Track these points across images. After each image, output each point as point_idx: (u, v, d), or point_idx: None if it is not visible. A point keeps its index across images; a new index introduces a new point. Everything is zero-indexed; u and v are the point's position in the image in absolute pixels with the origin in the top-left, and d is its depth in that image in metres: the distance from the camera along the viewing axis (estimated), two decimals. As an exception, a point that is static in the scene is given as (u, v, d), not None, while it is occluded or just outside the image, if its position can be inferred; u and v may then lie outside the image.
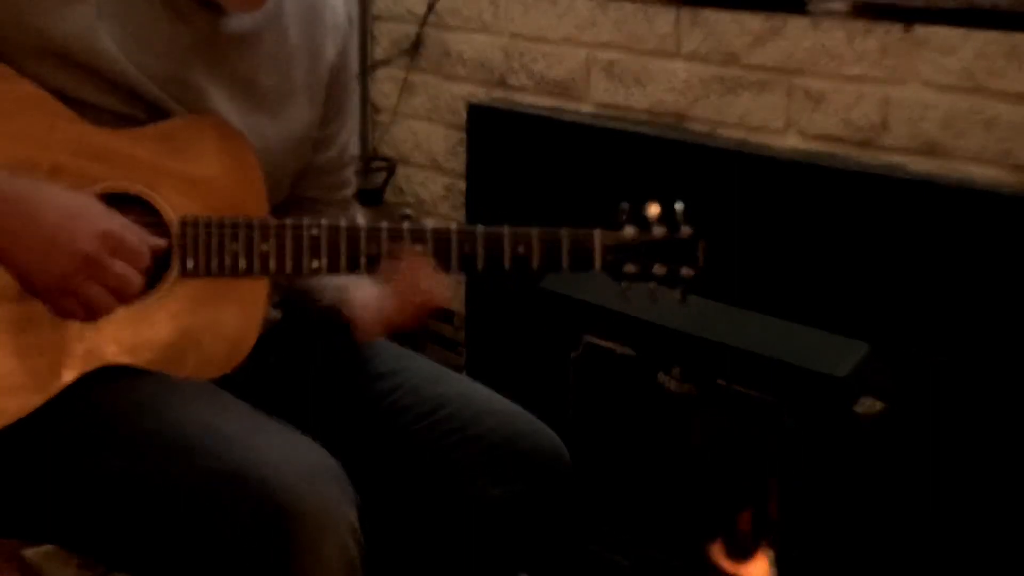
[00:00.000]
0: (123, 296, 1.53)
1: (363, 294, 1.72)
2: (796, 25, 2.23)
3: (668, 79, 2.44)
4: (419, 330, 3.07)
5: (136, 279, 1.52)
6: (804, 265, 2.18)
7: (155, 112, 1.61)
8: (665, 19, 2.43)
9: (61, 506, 1.59)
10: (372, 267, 1.63)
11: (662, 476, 2.38)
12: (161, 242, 1.56)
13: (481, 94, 2.86)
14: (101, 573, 1.84)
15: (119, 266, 1.51)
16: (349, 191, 1.87)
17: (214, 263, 1.58)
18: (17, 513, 1.64)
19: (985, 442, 1.96)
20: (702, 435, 2.32)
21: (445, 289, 1.66)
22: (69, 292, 1.51)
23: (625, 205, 1.69)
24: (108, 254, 1.50)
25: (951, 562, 2.01)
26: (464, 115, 2.84)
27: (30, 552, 2.27)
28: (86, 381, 1.56)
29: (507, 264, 1.66)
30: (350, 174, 1.88)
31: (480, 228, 1.66)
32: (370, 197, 3.03)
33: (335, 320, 1.75)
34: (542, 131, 2.64)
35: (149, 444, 1.52)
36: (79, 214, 1.50)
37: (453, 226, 1.65)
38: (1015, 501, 1.94)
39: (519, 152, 2.68)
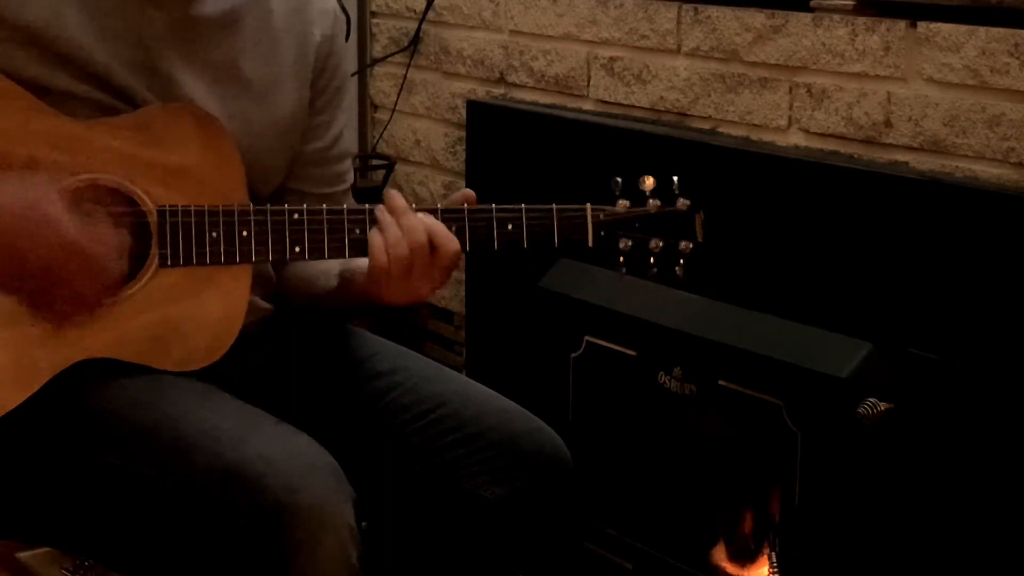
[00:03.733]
0: (87, 307, 1.51)
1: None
2: (798, 22, 2.22)
3: (669, 76, 2.43)
4: (418, 328, 3.06)
5: (92, 296, 1.50)
6: (806, 264, 2.17)
7: (129, 100, 1.60)
8: (666, 16, 2.42)
9: (57, 505, 1.59)
10: (355, 251, 1.61)
11: (663, 477, 2.37)
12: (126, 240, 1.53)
13: (481, 92, 2.85)
14: (99, 574, 1.83)
15: (79, 280, 1.48)
16: (342, 187, 1.84)
17: (194, 251, 1.57)
18: (12, 514, 1.63)
19: (990, 443, 1.95)
20: (703, 436, 2.31)
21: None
22: (33, 299, 1.49)
23: (618, 179, 1.67)
24: (69, 266, 1.46)
25: (955, 564, 2.00)
26: (464, 113, 2.83)
27: (25, 555, 2.26)
28: (80, 378, 1.55)
29: (496, 243, 1.63)
30: (344, 169, 1.85)
31: (467, 206, 1.63)
32: (369, 195, 3.02)
33: (347, 291, 1.71)
34: (542, 129, 2.63)
35: (145, 442, 1.52)
36: (40, 221, 1.46)
37: (440, 205, 1.63)
38: (1020, 504, 1.93)
39: (519, 150, 2.67)
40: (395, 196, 1.60)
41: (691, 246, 1.65)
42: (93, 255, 1.48)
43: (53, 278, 1.47)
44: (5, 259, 1.47)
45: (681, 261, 1.66)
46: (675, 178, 1.66)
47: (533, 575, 1.73)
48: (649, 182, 1.65)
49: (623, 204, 1.65)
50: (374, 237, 1.58)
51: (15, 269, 1.47)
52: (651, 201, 1.66)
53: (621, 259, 1.65)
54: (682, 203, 1.66)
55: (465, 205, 1.63)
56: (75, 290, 1.49)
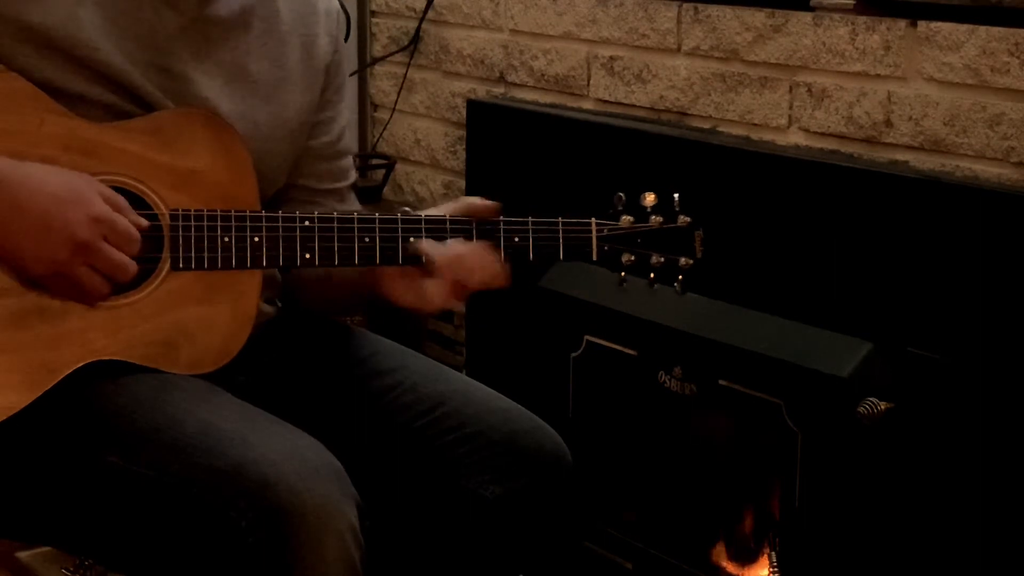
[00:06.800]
0: (117, 280, 1.53)
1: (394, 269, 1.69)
2: (798, 21, 2.22)
3: (669, 76, 2.43)
4: (418, 328, 3.06)
5: (129, 264, 1.53)
6: (807, 263, 2.17)
7: (142, 102, 1.60)
8: (666, 15, 2.42)
9: (58, 505, 1.59)
10: (365, 258, 1.62)
11: (663, 476, 2.37)
12: (145, 223, 1.55)
13: (481, 91, 2.85)
14: (99, 574, 1.83)
15: (112, 251, 1.52)
16: (346, 183, 1.86)
17: (205, 256, 1.58)
18: (13, 513, 1.63)
19: (990, 443, 1.95)
20: (703, 435, 2.31)
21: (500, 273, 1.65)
22: (63, 277, 1.51)
23: (621, 195, 1.69)
24: (101, 239, 1.51)
25: (954, 564, 2.00)
26: (464, 112, 2.83)
27: (24, 554, 2.26)
28: (83, 379, 1.55)
29: (503, 254, 1.65)
30: (348, 164, 1.86)
31: (475, 219, 1.65)
32: (369, 194, 3.02)
33: (366, 290, 1.72)
34: (542, 128, 2.63)
35: (147, 442, 1.52)
36: (71, 198, 1.51)
37: (447, 216, 1.64)
38: (1020, 503, 1.93)
39: (519, 149, 2.67)
40: (422, 245, 1.62)
41: (690, 262, 1.68)
42: (122, 226, 1.52)
43: (84, 253, 1.50)
44: (34, 243, 1.49)
45: (680, 277, 1.68)
46: (676, 195, 1.69)
47: (533, 574, 1.73)
48: (650, 198, 1.69)
49: (627, 220, 1.68)
50: (433, 288, 1.62)
51: (44, 251, 1.50)
52: (653, 218, 1.68)
53: (623, 273, 1.68)
54: (682, 220, 1.69)
55: (474, 218, 1.64)
56: (110, 260, 1.51)
